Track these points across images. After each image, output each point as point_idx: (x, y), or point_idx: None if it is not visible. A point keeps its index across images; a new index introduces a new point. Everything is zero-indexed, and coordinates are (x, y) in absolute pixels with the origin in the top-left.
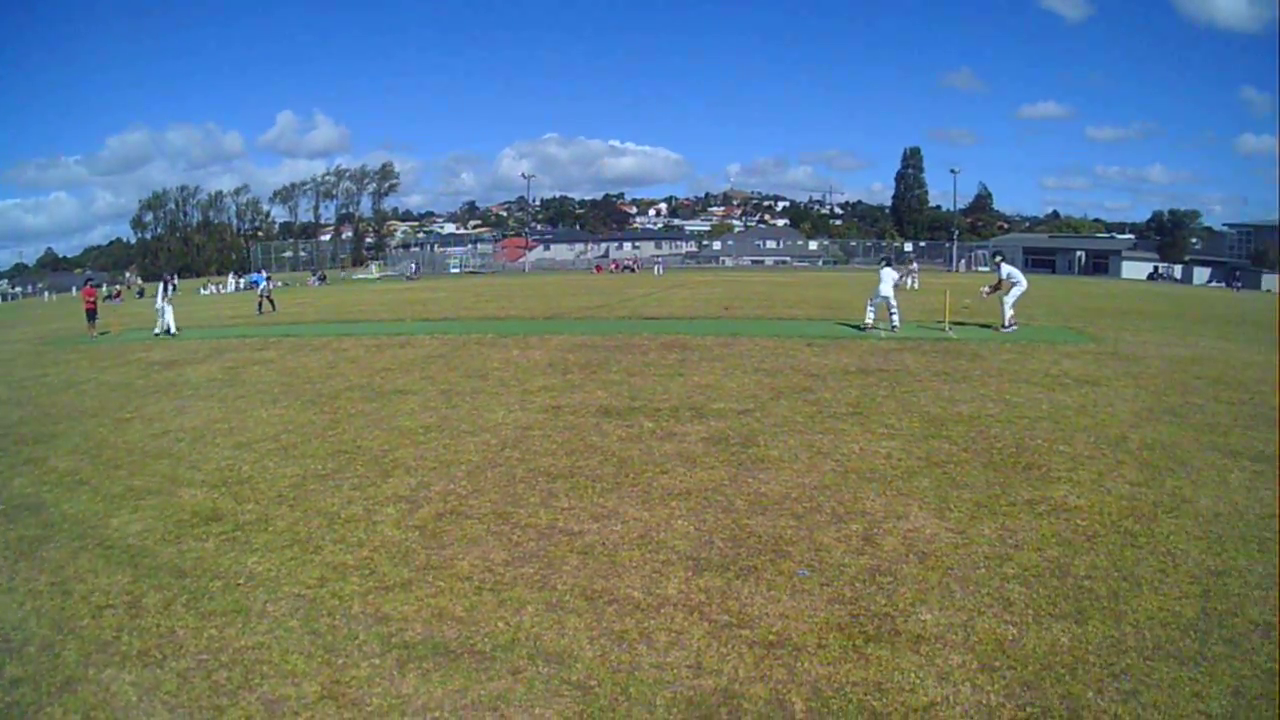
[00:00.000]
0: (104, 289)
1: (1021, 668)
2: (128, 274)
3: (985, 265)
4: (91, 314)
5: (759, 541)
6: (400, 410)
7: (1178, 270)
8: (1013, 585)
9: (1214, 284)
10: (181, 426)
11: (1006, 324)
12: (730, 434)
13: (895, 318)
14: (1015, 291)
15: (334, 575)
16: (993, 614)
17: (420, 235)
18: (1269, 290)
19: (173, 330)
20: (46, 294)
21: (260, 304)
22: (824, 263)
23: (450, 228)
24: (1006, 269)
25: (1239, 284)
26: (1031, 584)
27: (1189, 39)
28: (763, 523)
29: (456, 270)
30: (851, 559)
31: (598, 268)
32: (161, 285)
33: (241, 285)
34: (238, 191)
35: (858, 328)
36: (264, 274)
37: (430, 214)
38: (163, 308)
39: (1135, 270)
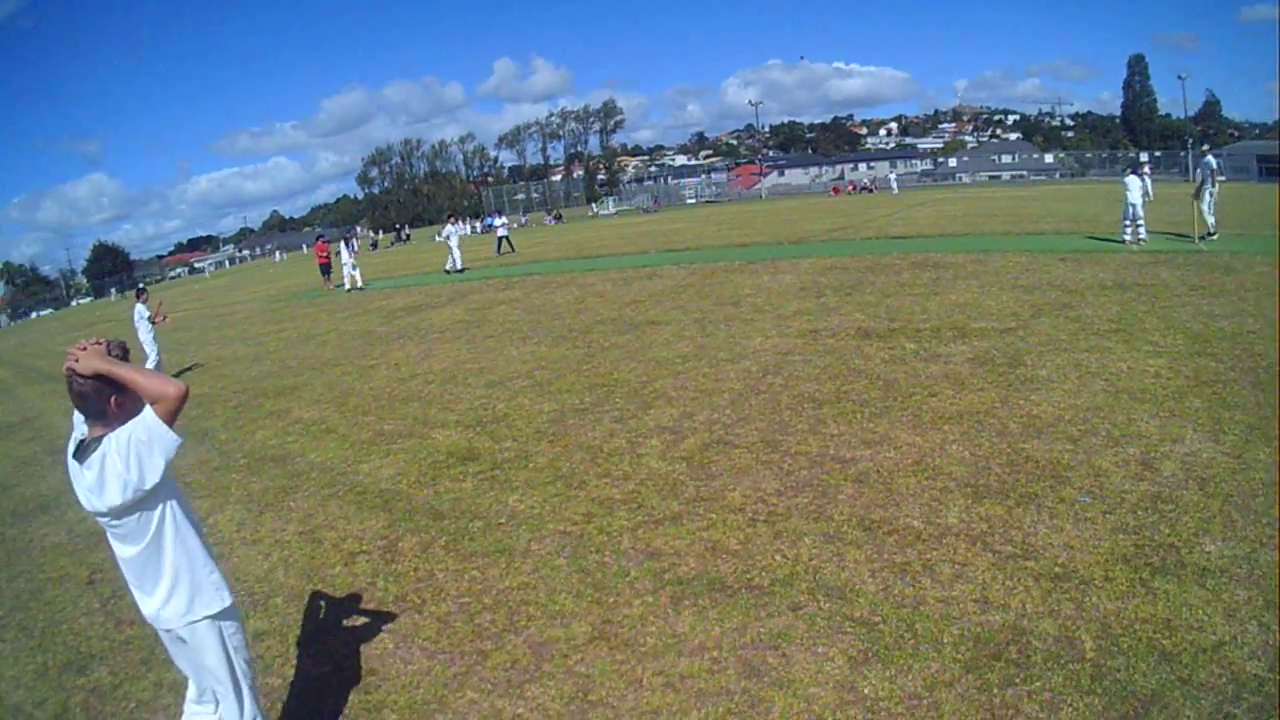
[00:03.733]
0: (350, 242)
1: None
2: (358, 228)
3: (1222, 175)
4: (325, 268)
5: (1036, 467)
6: (655, 341)
7: None
8: None
9: None
10: (430, 369)
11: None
12: (995, 354)
13: (1143, 229)
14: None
15: (600, 510)
16: (1274, 546)
17: (652, 169)
18: None
19: (359, 285)
20: (277, 254)
21: (499, 245)
22: (1060, 175)
23: (681, 159)
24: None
25: None
26: None
27: None
28: (1038, 446)
29: (693, 201)
30: (1132, 485)
31: (835, 190)
32: (344, 243)
33: (477, 229)
34: (463, 140)
35: (1112, 240)
36: (500, 217)
37: (660, 147)
38: (350, 264)
39: None
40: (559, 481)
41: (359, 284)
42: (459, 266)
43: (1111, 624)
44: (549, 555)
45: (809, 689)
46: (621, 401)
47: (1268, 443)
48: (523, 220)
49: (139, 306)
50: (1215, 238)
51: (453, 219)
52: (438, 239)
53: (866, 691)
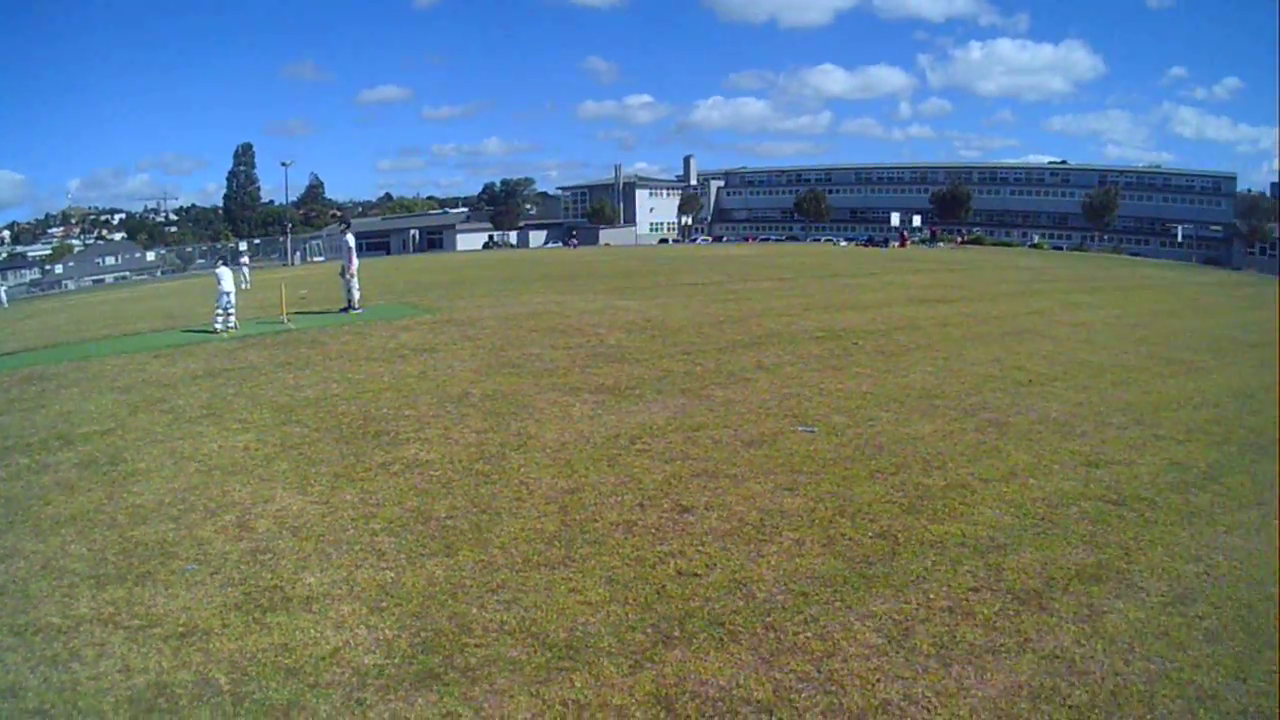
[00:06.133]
0: None
1: (407, 603)
2: None
3: (320, 255)
4: None
5: (147, 549)
6: None
7: (513, 236)
8: (382, 537)
9: (551, 244)
10: None
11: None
12: (99, 455)
13: (233, 318)
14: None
15: None
16: (370, 565)
17: None
18: (606, 244)
19: None
20: None
21: None
22: (163, 272)
23: None
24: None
25: (575, 241)
26: (399, 533)
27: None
28: (146, 531)
29: None
30: (232, 545)
31: None
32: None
33: None
34: None
35: (206, 330)
36: None
37: None
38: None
39: (471, 241)
40: None
41: None
42: None
43: (238, 660)
44: None
45: None
46: None
47: (353, 485)
48: None
49: None
50: (360, 311)
51: None
52: None
53: None
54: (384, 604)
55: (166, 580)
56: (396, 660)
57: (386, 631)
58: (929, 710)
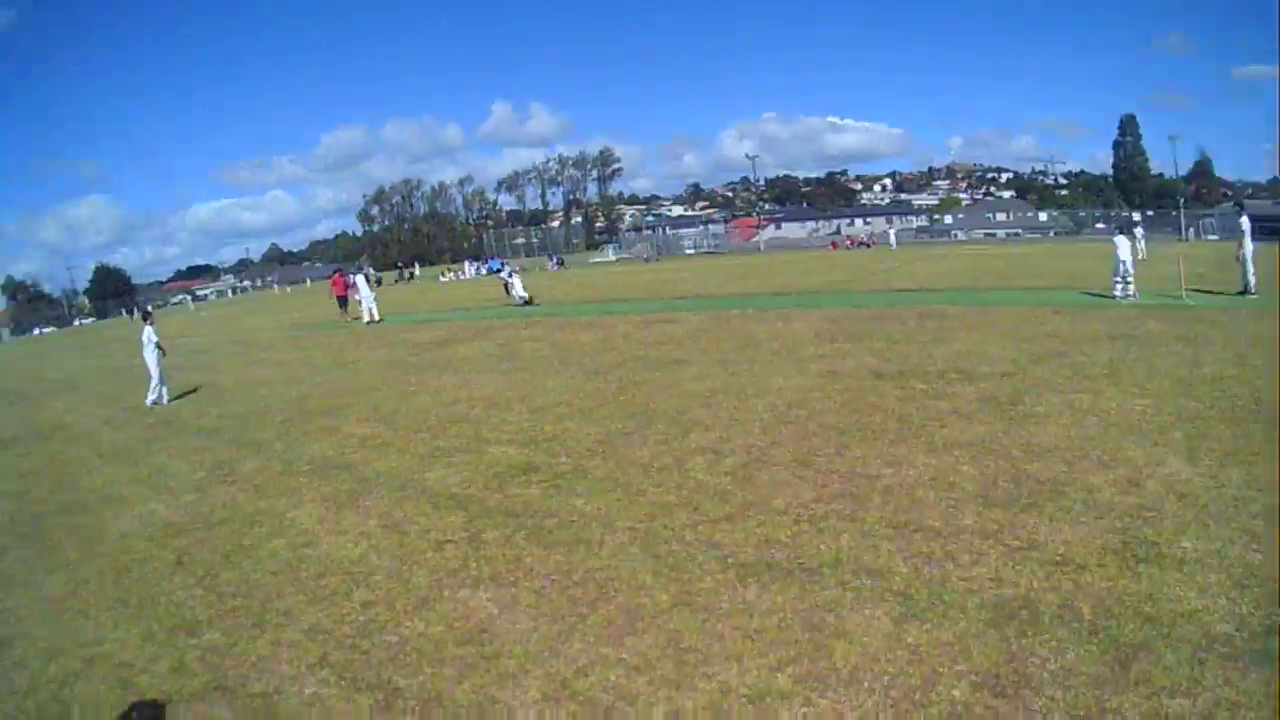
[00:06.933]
0: (369, 277)
1: (1263, 586)
2: (359, 265)
3: (1214, 234)
4: (343, 300)
5: (1037, 483)
6: (683, 377)
7: None
8: (1258, 522)
9: None
10: (470, 396)
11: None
12: (997, 394)
13: (1132, 286)
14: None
15: (661, 512)
16: (1242, 544)
17: (649, 218)
18: None
19: (376, 318)
20: (276, 286)
21: (507, 288)
22: (1054, 233)
23: (679, 210)
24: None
25: None
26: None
27: None
28: (1038, 467)
29: (691, 251)
30: (1120, 498)
31: (833, 244)
32: (363, 278)
33: (481, 271)
34: (462, 182)
35: (1104, 296)
36: (501, 261)
37: (656, 197)
38: (371, 297)
39: None
40: (618, 490)
41: (376, 317)
42: (524, 297)
43: (1104, 597)
44: (623, 545)
45: (861, 639)
46: (662, 427)
47: (1240, 466)
48: (519, 269)
49: (147, 329)
50: (1256, 296)
51: (480, 260)
52: (441, 280)
53: (910, 640)
54: (1248, 582)
55: (1052, 514)
56: (1244, 635)
57: (1243, 608)
58: None
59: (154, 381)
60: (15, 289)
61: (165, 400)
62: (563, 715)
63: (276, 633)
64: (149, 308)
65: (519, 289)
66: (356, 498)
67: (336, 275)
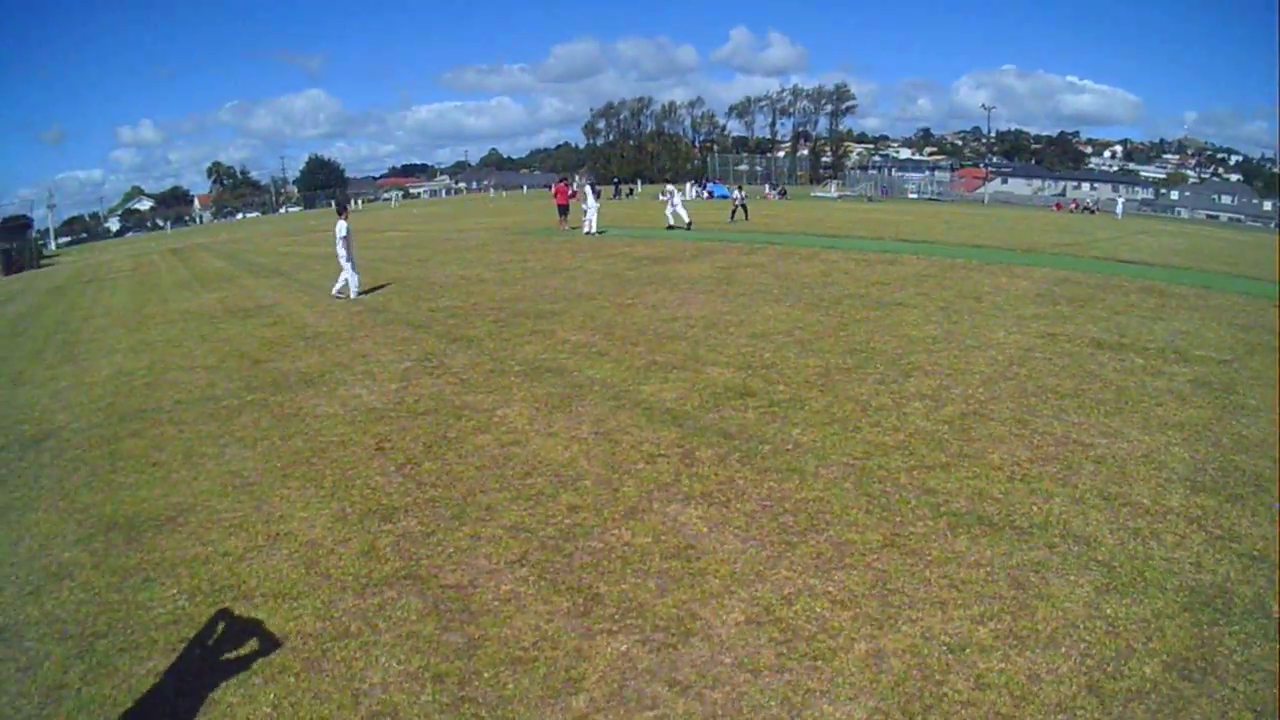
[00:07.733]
0: (595, 188)
1: None
2: (579, 176)
3: None
4: (564, 209)
5: (1244, 475)
6: (904, 320)
7: None
8: None
9: None
10: (689, 315)
11: None
12: (1212, 379)
13: None
14: None
15: (877, 452)
16: None
17: (876, 158)
18: None
19: (594, 230)
20: (491, 190)
21: (734, 212)
22: (1275, 225)
23: (905, 153)
24: None
25: None
26: None
27: None
28: (1246, 460)
29: (914, 195)
30: None
31: (1057, 205)
32: (590, 188)
33: (701, 194)
34: (692, 104)
35: None
36: (726, 185)
37: (885, 138)
38: (596, 208)
39: None
40: (835, 424)
41: (594, 229)
42: (686, 222)
43: None
44: (836, 480)
45: (1064, 604)
46: (881, 367)
47: None
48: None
49: (340, 223)
50: None
51: (675, 183)
52: (660, 198)
53: (1108, 612)
54: None
55: (1254, 508)
56: None
57: None
58: None
59: (345, 274)
60: (222, 174)
61: (353, 293)
62: (764, 639)
63: (477, 527)
64: (345, 202)
65: (680, 211)
66: (569, 402)
67: (561, 183)
